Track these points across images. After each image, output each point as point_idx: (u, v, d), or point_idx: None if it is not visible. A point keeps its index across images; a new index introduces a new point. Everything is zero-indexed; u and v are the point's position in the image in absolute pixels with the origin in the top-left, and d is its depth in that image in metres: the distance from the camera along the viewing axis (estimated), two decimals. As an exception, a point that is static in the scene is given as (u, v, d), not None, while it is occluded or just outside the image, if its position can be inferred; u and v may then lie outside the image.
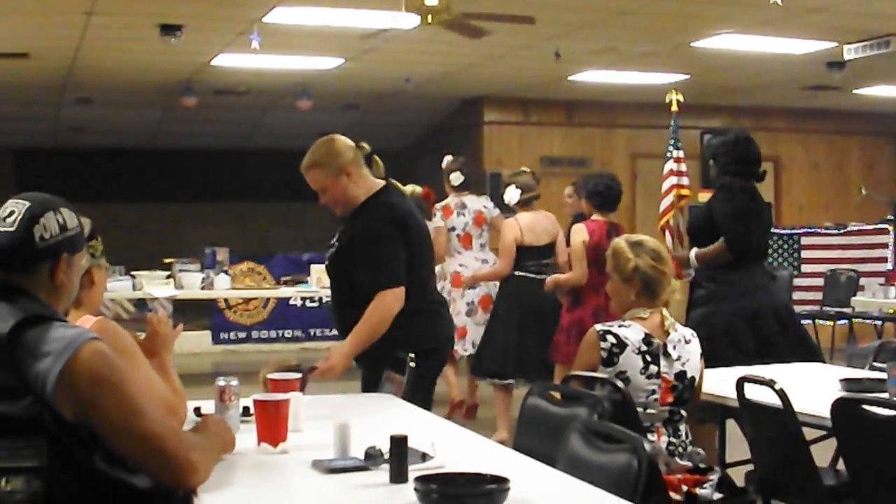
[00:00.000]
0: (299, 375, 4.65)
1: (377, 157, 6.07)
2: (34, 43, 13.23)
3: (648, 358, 5.12)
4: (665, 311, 5.24)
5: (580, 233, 9.41)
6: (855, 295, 12.90)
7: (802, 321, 14.47)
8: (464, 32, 10.82)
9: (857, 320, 14.51)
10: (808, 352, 7.70)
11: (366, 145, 6.01)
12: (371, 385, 5.82)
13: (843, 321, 14.70)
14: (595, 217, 9.56)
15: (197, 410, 4.59)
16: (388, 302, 5.71)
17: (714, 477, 5.03)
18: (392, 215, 5.79)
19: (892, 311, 12.87)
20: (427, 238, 6.09)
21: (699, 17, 12.29)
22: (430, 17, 10.15)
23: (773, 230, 16.21)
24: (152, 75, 15.60)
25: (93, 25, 12.09)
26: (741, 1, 11.39)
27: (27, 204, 3.41)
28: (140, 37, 12.61)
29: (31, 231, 3.37)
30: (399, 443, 3.50)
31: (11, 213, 3.39)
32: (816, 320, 14.92)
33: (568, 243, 9.73)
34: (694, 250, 7.93)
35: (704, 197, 11.99)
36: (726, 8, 11.81)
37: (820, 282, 15.27)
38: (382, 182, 5.98)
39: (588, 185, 9.76)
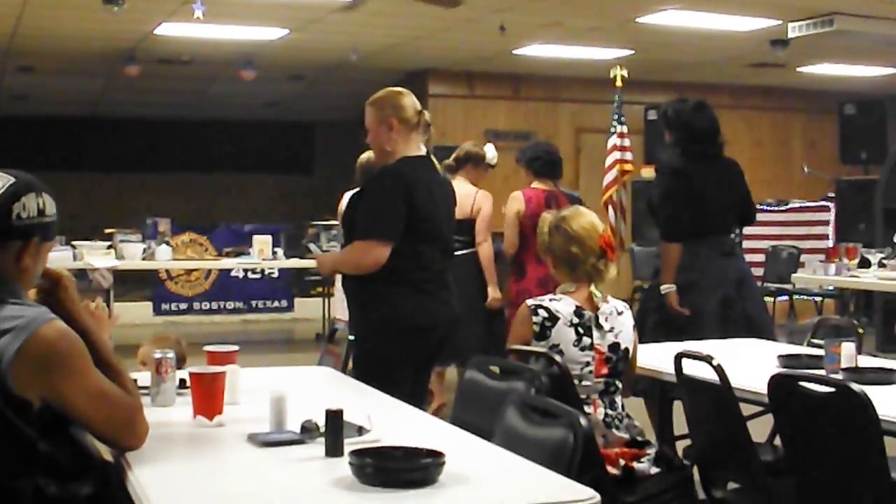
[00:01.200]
0: (237, 348, 4.61)
1: (431, 130, 5.99)
2: (-26, 9, 13.11)
3: (581, 330, 5.13)
4: (592, 287, 5.23)
5: (515, 201, 9.27)
6: (795, 271, 12.96)
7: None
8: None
9: (797, 297, 14.62)
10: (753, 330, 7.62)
11: (427, 116, 5.89)
12: (359, 352, 5.78)
13: (783, 297, 14.80)
14: (535, 185, 9.41)
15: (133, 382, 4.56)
16: (363, 249, 5.64)
17: (651, 451, 5.06)
18: (403, 176, 5.70)
19: (832, 287, 12.96)
20: (438, 217, 5.86)
21: (644, -8, 12.31)
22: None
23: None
24: (95, 43, 15.47)
25: (35, -8, 12.00)
26: (686, -23, 11.41)
27: (11, 180, 3.39)
28: (83, 4, 12.49)
29: (10, 207, 3.35)
30: (335, 416, 3.48)
31: None
32: (757, 296, 15.02)
33: None
34: (666, 287, 7.77)
35: (647, 172, 12.05)
36: (671, -16, 11.84)
37: (761, 258, 15.33)
38: (421, 153, 5.89)
39: (526, 152, 9.63)
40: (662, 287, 7.58)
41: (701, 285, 7.58)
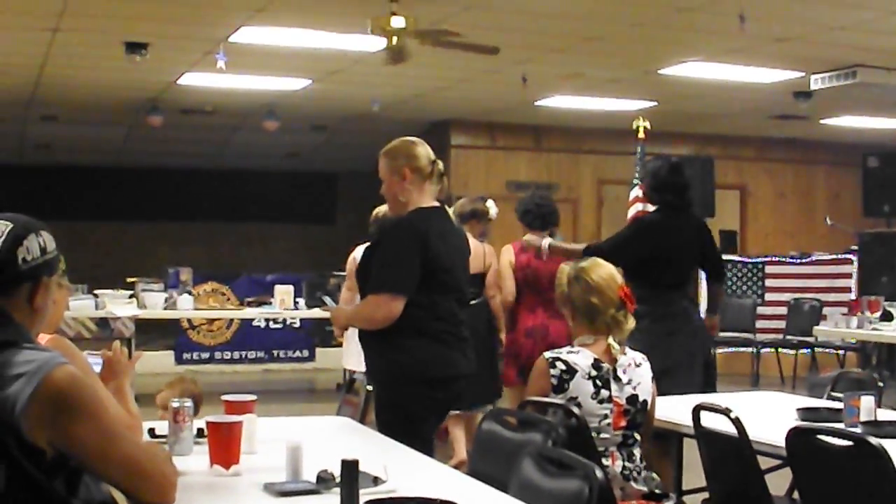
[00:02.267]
0: (254, 398, 4.62)
1: (445, 180, 5.99)
2: (-1, 59, 13.21)
3: (599, 383, 5.13)
4: (610, 339, 5.23)
5: (507, 252, 9.42)
6: (818, 324, 12.94)
7: (764, 349, 14.64)
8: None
9: (819, 349, 14.59)
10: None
11: (440, 165, 5.89)
12: (380, 403, 5.74)
13: (805, 350, 14.78)
14: (527, 237, 9.47)
15: (151, 431, 4.58)
16: (375, 303, 5.63)
17: (669, 503, 5.05)
18: (417, 227, 5.67)
19: (854, 340, 12.93)
20: (454, 268, 5.85)
21: (667, 44, 12.33)
22: (395, 39, 10.15)
23: (738, 258, 16.35)
24: (118, 93, 15.57)
25: (58, 42, 12.07)
26: (708, 29, 11.43)
27: (10, 225, 3.39)
28: (106, 54, 12.58)
29: (15, 253, 3.36)
30: (350, 466, 3.48)
31: None
32: (779, 349, 15.00)
33: None
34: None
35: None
36: (694, 35, 11.86)
37: (783, 310, 15.34)
38: (436, 203, 5.88)
39: (519, 205, 9.71)
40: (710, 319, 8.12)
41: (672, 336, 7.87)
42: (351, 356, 10.52)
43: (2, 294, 3.36)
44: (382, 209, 10.10)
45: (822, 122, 17.70)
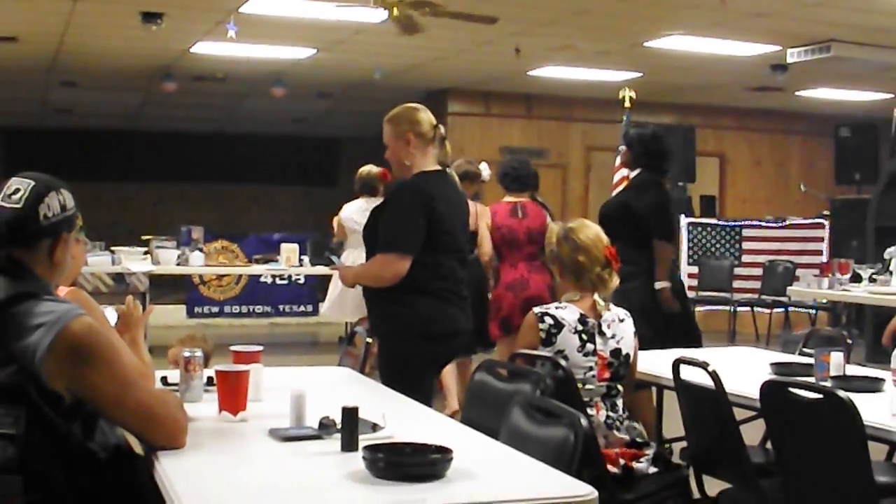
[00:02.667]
0: (261, 348, 4.62)
1: (447, 144, 5.95)
2: (22, 27, 13.16)
3: (584, 337, 5.14)
4: (596, 296, 5.24)
5: (484, 216, 9.43)
6: (791, 285, 12.96)
7: (740, 308, 14.68)
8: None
9: (792, 309, 14.61)
10: (693, 334, 8.02)
11: (442, 130, 5.84)
12: (383, 356, 5.75)
13: (779, 309, 14.79)
14: (506, 198, 9.51)
15: (164, 380, 4.58)
16: (383, 262, 5.60)
17: (650, 451, 5.06)
18: (423, 190, 5.64)
19: (825, 300, 12.95)
20: (456, 230, 5.82)
21: (652, 18, 12.32)
22: (396, 10, 10.12)
23: (717, 221, 16.37)
24: (134, 60, 15.54)
25: (78, 11, 12.04)
26: (691, 4, 11.41)
27: (32, 183, 3.41)
28: (123, 23, 12.55)
29: (37, 209, 3.38)
30: (350, 413, 3.50)
31: (17, 190, 3.39)
32: (755, 308, 15.02)
33: None
34: (661, 284, 7.92)
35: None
36: (677, 11, 11.84)
37: (759, 272, 15.35)
38: (439, 167, 5.83)
39: (498, 169, 9.73)
40: (658, 284, 7.75)
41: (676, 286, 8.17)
42: (333, 303, 10.55)
43: (24, 248, 3.37)
44: (365, 169, 10.15)
45: (797, 93, 17.69)
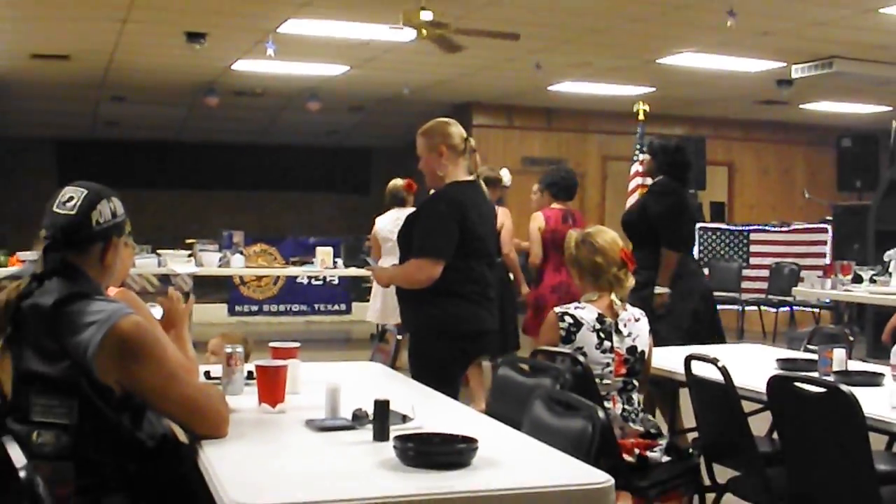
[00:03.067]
0: (298, 344, 4.62)
1: (477, 156, 5.92)
2: (74, 46, 13.23)
3: (602, 335, 5.13)
4: (613, 296, 5.24)
5: (536, 220, 9.41)
6: (796, 285, 12.91)
7: (748, 307, 14.62)
8: (442, 47, 10.80)
9: (797, 308, 14.55)
10: (718, 334, 7.92)
11: (472, 142, 5.84)
12: (414, 352, 5.74)
13: (785, 308, 14.74)
14: (553, 206, 9.50)
15: (207, 374, 4.59)
16: (418, 266, 5.59)
17: (663, 442, 5.07)
18: (456, 200, 5.64)
19: (828, 299, 12.91)
20: (486, 236, 5.83)
21: (664, 36, 12.31)
22: (424, 31, 10.14)
23: (726, 226, 16.33)
24: (179, 77, 15.60)
25: (127, 31, 12.10)
26: (701, 23, 11.39)
27: (84, 191, 3.45)
28: (169, 42, 12.63)
29: (89, 216, 3.41)
30: (382, 405, 3.49)
31: (71, 198, 3.42)
32: (762, 307, 14.96)
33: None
34: (659, 290, 7.85)
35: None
36: (688, 30, 11.83)
37: (766, 273, 15.31)
38: (471, 177, 5.82)
39: (546, 177, 9.70)
40: (658, 289, 7.68)
41: (701, 288, 8.02)
42: (376, 311, 10.55)
43: (77, 251, 3.40)
44: (393, 183, 10.17)
45: (801, 107, 17.67)
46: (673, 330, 7.48)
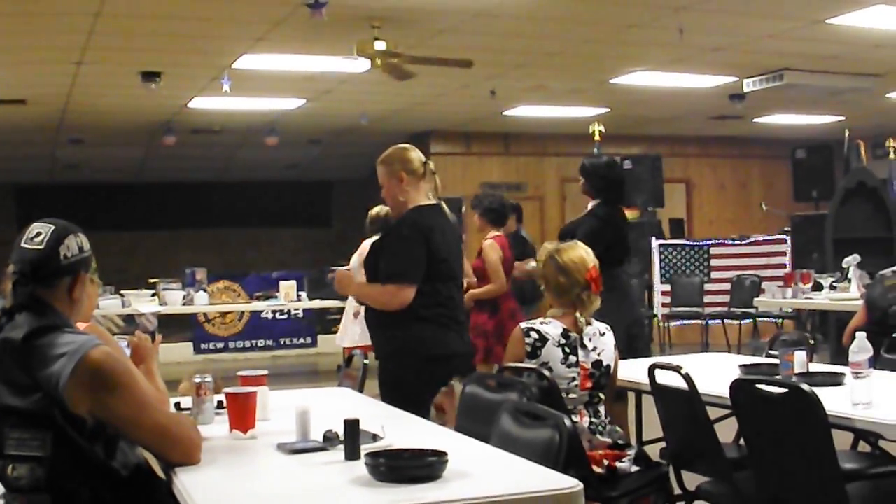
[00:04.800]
0: (266, 372, 4.65)
1: (437, 178, 5.96)
2: (30, 90, 13.21)
3: (567, 350, 5.18)
4: (577, 314, 5.28)
5: (494, 249, 9.39)
6: (758, 296, 13.04)
7: (711, 321, 14.73)
8: (393, 75, 10.87)
9: (760, 319, 14.65)
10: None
11: (431, 165, 5.90)
12: (383, 376, 5.79)
13: (747, 320, 14.83)
14: (493, 232, 9.55)
15: (177, 405, 4.62)
16: (390, 292, 5.61)
17: (631, 452, 5.12)
18: (420, 223, 5.67)
19: (790, 308, 13.03)
20: (451, 258, 5.83)
21: (616, 57, 12.40)
22: (378, 60, 10.20)
23: (686, 242, 16.44)
24: (136, 117, 15.60)
25: (82, 73, 12.09)
26: (652, 42, 11.49)
27: (52, 227, 3.50)
28: (124, 83, 12.63)
29: (57, 250, 3.46)
30: (352, 425, 3.54)
31: (38, 233, 3.47)
32: (725, 320, 15.07)
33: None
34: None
35: (630, 214, 12.10)
36: (639, 48, 11.93)
37: (727, 286, 15.41)
38: (433, 201, 5.87)
39: (483, 203, 9.73)
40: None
41: (629, 301, 8.32)
42: (355, 335, 10.55)
43: (45, 286, 3.44)
44: (375, 210, 10.16)
45: (754, 120, 17.81)
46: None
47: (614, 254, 8.06)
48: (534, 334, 5.22)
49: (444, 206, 6.00)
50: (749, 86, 13.52)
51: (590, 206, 8.43)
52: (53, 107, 14.37)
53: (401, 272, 5.63)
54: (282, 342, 16.98)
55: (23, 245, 3.45)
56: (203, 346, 16.63)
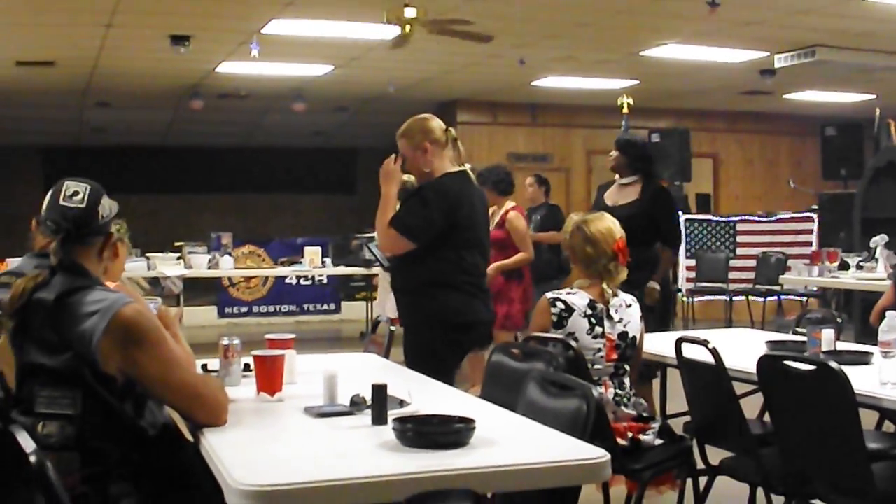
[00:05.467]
0: (293, 336, 4.66)
1: (460, 145, 5.95)
2: (59, 52, 13.23)
3: (593, 320, 5.18)
4: (604, 285, 5.28)
5: (520, 218, 9.63)
6: (783, 274, 13.00)
7: (736, 297, 14.71)
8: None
9: (785, 297, 14.61)
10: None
11: (453, 132, 5.90)
12: (409, 344, 5.82)
13: (772, 297, 14.80)
14: (510, 203, 9.71)
15: (204, 367, 4.64)
16: (388, 233, 5.70)
17: (656, 425, 5.12)
18: (446, 191, 5.69)
19: (815, 287, 13.00)
20: (478, 226, 5.88)
21: (647, 28, 12.35)
22: (408, 27, 10.18)
23: (712, 217, 16.41)
24: (164, 81, 15.61)
25: (111, 36, 12.10)
26: (683, 15, 11.43)
27: (88, 186, 3.50)
28: (153, 46, 12.63)
29: (96, 209, 3.48)
30: (380, 390, 3.54)
31: (76, 192, 3.47)
32: (749, 297, 15.02)
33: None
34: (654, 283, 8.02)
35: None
36: (671, 21, 11.87)
37: (753, 263, 15.37)
38: (460, 168, 5.87)
39: (490, 176, 9.73)
40: (651, 284, 7.87)
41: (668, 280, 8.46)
42: (386, 305, 10.63)
43: (80, 244, 3.44)
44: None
45: (784, 96, 17.71)
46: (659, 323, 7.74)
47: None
48: (560, 304, 5.21)
49: (471, 173, 6.00)
50: (780, 61, 13.45)
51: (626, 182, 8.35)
52: (82, 69, 14.39)
53: (406, 224, 5.68)
54: (305, 308, 17.05)
55: (62, 202, 3.44)
56: (227, 310, 16.72)
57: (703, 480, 5.19)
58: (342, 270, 14.28)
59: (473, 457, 3.08)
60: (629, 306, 5.35)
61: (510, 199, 9.83)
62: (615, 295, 5.31)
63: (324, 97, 17.31)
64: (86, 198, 3.44)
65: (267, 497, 2.74)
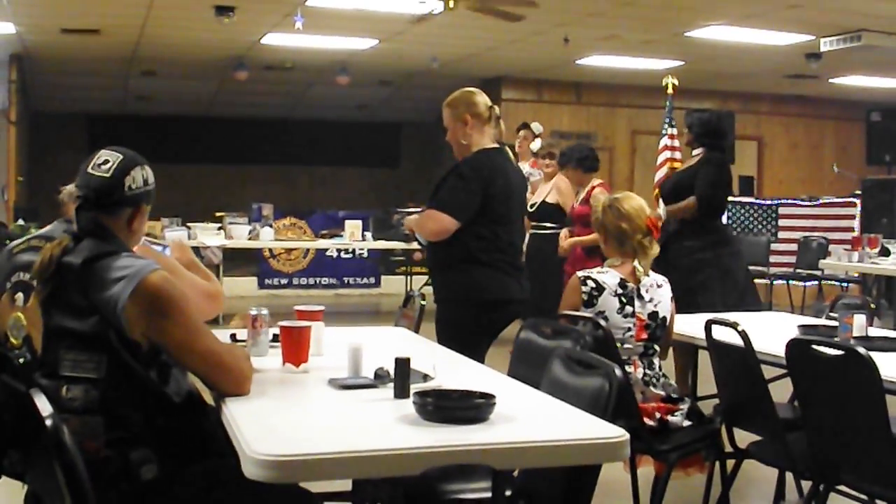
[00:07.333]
0: (322, 308, 4.67)
1: (502, 124, 5.97)
2: (105, 20, 13.29)
3: (624, 300, 5.17)
4: (636, 262, 5.27)
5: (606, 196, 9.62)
6: (824, 259, 12.91)
7: (777, 281, 14.65)
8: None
9: (825, 282, 14.53)
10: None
11: (497, 110, 5.92)
12: (441, 320, 5.85)
13: (813, 282, 14.71)
14: (596, 180, 9.72)
15: (233, 337, 4.66)
16: (430, 216, 5.75)
17: (684, 406, 5.10)
18: (482, 166, 5.72)
19: (856, 273, 12.91)
20: (513, 203, 5.89)
21: (693, 9, 12.29)
22: (451, 2, 10.16)
23: (754, 200, 16.33)
24: (209, 51, 15.66)
25: (157, 6, 12.16)
26: (730, -4, 11.39)
27: (120, 156, 3.53)
28: (198, 17, 12.67)
29: (123, 180, 3.50)
30: (403, 363, 3.55)
31: (106, 161, 3.51)
32: (790, 281, 14.94)
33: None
34: (663, 207, 8.19)
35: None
36: (717, 2, 11.81)
37: (794, 247, 15.28)
38: (496, 145, 5.89)
39: (575, 153, 9.84)
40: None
41: (737, 253, 8.62)
42: None
43: (107, 213, 3.47)
44: None
45: (830, 81, 17.58)
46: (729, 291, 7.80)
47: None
48: (591, 283, 5.20)
49: (508, 150, 6.00)
50: (826, 45, 13.35)
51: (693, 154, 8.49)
52: (127, 38, 14.46)
53: (446, 202, 5.71)
54: (345, 281, 17.10)
55: (89, 170, 3.49)
56: (267, 281, 16.78)
57: (730, 464, 5.17)
58: (383, 245, 14.32)
59: (491, 432, 3.07)
60: (660, 286, 5.34)
61: (595, 175, 9.87)
62: (646, 274, 5.30)
63: (368, 71, 17.33)
64: (113, 168, 3.48)
65: (280, 466, 2.74)
